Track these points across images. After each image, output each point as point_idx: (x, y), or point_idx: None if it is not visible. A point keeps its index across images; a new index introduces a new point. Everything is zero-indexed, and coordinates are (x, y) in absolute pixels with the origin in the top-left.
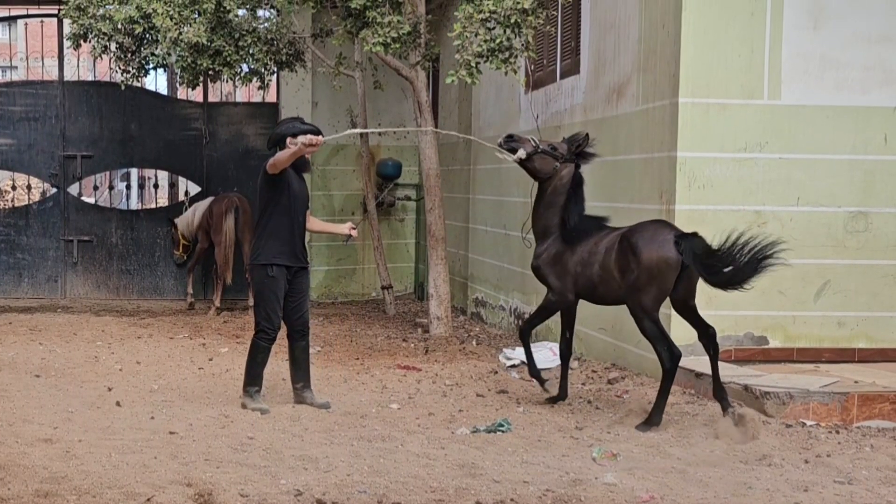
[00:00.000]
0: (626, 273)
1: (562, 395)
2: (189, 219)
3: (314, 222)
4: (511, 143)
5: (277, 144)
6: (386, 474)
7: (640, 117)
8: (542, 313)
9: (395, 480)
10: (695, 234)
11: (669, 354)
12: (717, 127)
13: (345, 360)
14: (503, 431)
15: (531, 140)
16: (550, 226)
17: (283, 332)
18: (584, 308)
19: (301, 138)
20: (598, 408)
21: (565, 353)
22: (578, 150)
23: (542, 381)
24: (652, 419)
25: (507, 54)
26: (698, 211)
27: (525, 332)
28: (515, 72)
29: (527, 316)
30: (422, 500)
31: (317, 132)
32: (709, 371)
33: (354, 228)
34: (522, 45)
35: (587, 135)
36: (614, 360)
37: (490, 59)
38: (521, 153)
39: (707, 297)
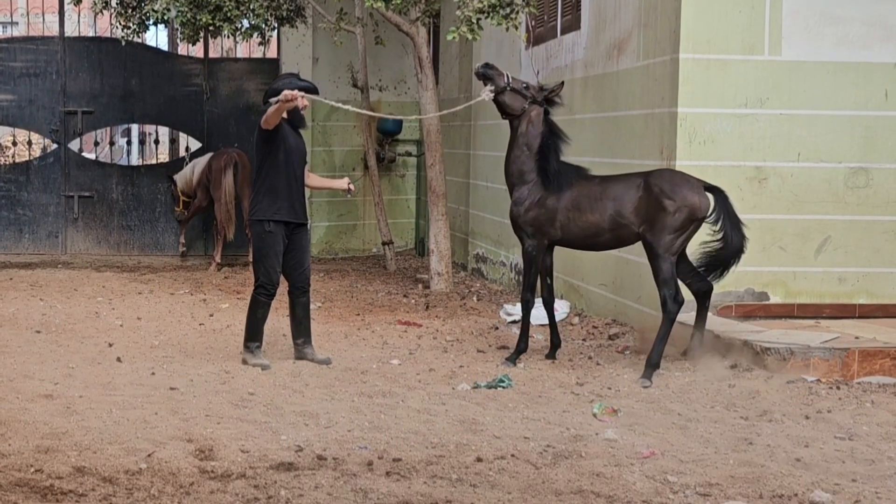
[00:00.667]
0: (654, 216)
1: (556, 343)
2: (188, 175)
3: (313, 178)
4: (488, 70)
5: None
6: (386, 430)
7: (640, 73)
8: (530, 268)
9: (395, 436)
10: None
11: (675, 299)
12: (717, 83)
13: (345, 315)
14: (504, 387)
15: (505, 75)
16: (526, 171)
17: (283, 288)
18: (585, 263)
19: (282, 94)
20: (599, 363)
21: (548, 300)
22: (551, 95)
23: (517, 354)
24: (651, 360)
25: (507, 10)
26: (699, 167)
27: (528, 301)
28: (517, 27)
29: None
30: (422, 455)
31: (312, 89)
32: (710, 327)
33: (351, 183)
34: (523, 0)
35: (562, 83)
36: (615, 315)
37: (491, 14)
38: (489, 93)
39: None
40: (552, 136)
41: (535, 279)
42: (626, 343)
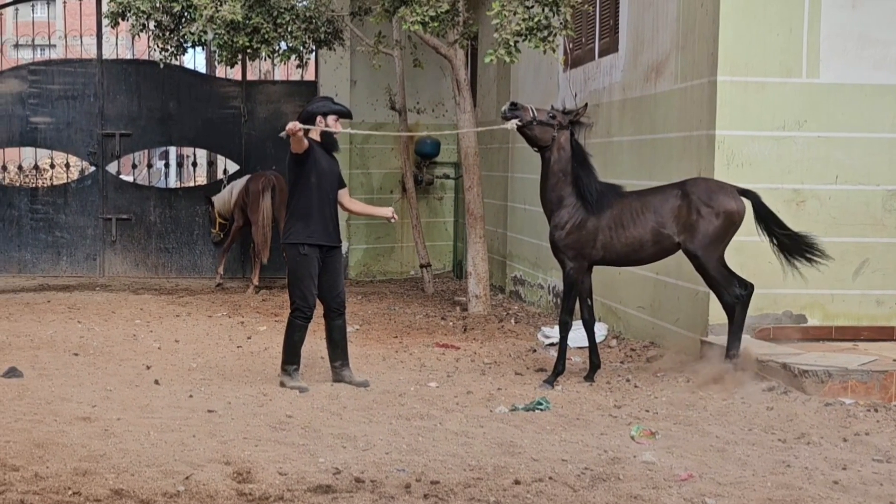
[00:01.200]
0: (694, 224)
1: (595, 364)
2: (226, 197)
3: (355, 204)
4: (514, 111)
5: (307, 122)
6: (424, 452)
7: (678, 96)
8: (571, 291)
9: (433, 459)
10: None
11: (737, 290)
12: (755, 105)
13: (383, 338)
14: (542, 410)
15: (530, 109)
16: (564, 196)
17: (320, 311)
18: (623, 286)
19: (289, 125)
20: (637, 386)
21: (589, 321)
22: (576, 118)
23: (554, 376)
24: (730, 351)
25: (545, 33)
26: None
27: (567, 323)
28: (554, 50)
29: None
30: (460, 478)
31: (345, 112)
32: (748, 349)
33: (395, 214)
34: (561, 23)
35: (585, 104)
36: (653, 338)
37: (528, 37)
38: (514, 123)
39: (745, 276)
40: (582, 156)
41: (575, 302)
42: (664, 366)
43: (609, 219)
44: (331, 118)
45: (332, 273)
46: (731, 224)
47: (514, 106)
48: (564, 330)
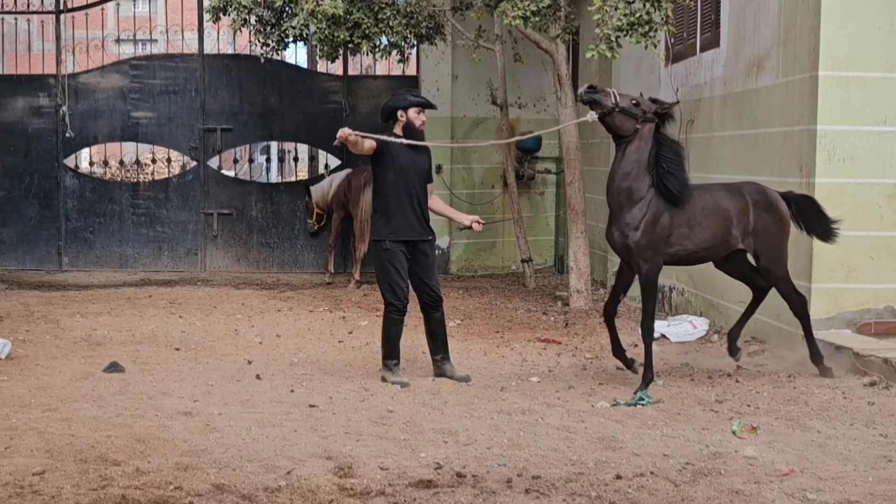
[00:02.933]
0: (763, 228)
1: (621, 357)
2: (325, 189)
3: (437, 203)
4: (592, 94)
5: (390, 118)
6: (525, 447)
7: (779, 91)
8: (652, 296)
9: (534, 453)
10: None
11: (802, 298)
12: (857, 100)
13: (484, 333)
14: (643, 405)
15: (612, 94)
16: (635, 189)
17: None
18: (724, 281)
19: (340, 132)
20: (738, 381)
21: (612, 314)
22: (664, 111)
23: (645, 385)
24: (816, 360)
25: (646, 28)
26: (838, 184)
27: (650, 329)
28: (655, 46)
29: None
30: (561, 473)
31: (423, 103)
32: (849, 344)
33: (481, 223)
34: (662, 18)
35: (677, 101)
36: (754, 333)
37: (630, 33)
38: (593, 115)
39: (847, 271)
40: (675, 150)
41: (655, 305)
42: (765, 361)
43: (682, 216)
44: (412, 111)
45: (422, 266)
46: (787, 229)
47: (592, 89)
48: (649, 336)
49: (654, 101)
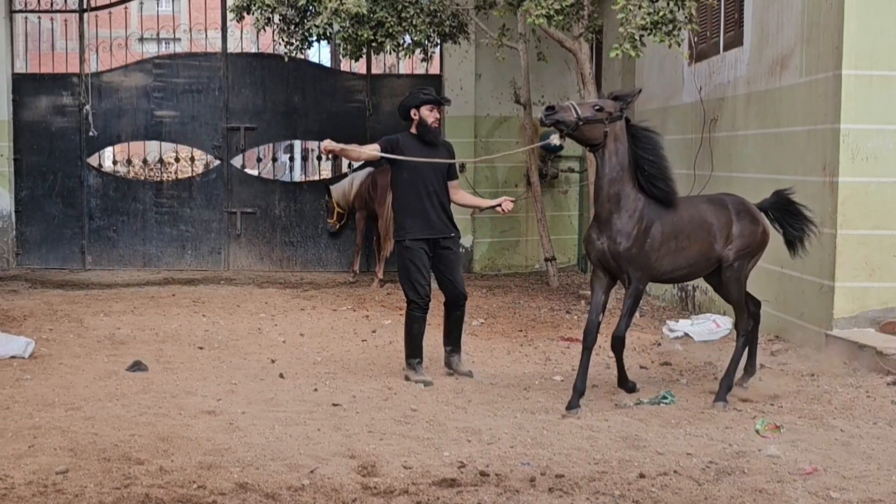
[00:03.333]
0: (739, 242)
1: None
2: (346, 188)
3: (461, 196)
4: (553, 115)
5: (406, 117)
6: (549, 446)
7: (803, 89)
8: (635, 307)
9: (558, 452)
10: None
11: (752, 313)
12: (880, 99)
13: (508, 332)
14: (667, 403)
15: (572, 108)
16: (623, 192)
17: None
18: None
19: (322, 144)
20: (762, 379)
21: (595, 340)
22: (629, 104)
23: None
24: (722, 386)
25: (670, 27)
26: (861, 183)
27: (623, 341)
28: (679, 45)
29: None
30: (585, 471)
31: (433, 100)
32: (872, 343)
33: (511, 201)
34: (685, 17)
35: (639, 90)
36: (777, 332)
37: (653, 31)
38: (557, 139)
39: (870, 270)
40: (652, 143)
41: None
42: (788, 360)
43: (672, 224)
44: (424, 109)
45: (447, 264)
46: (763, 244)
47: (550, 110)
48: (620, 348)
49: (616, 97)
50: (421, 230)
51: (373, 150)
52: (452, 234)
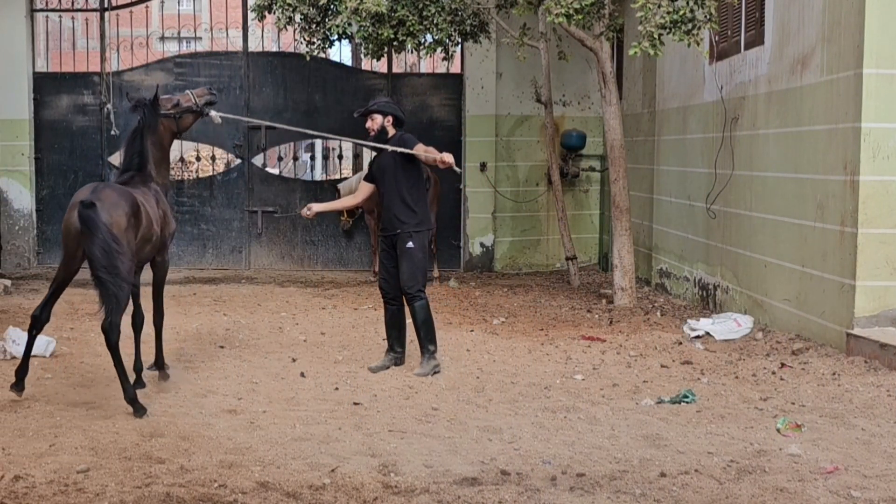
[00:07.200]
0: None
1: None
2: (354, 187)
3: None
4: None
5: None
6: (570, 445)
7: (824, 88)
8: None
9: (579, 451)
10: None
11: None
12: None
13: (529, 330)
14: (688, 402)
15: (175, 100)
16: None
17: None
18: (769, 279)
19: (305, 211)
20: (783, 379)
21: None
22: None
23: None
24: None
25: (689, 26)
26: (882, 182)
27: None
28: (699, 44)
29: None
30: (606, 470)
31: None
32: (894, 342)
33: (446, 162)
34: (705, 16)
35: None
36: (798, 330)
37: (673, 30)
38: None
39: (891, 269)
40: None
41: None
42: (808, 359)
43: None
44: (377, 118)
45: (397, 258)
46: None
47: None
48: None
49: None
50: (384, 228)
51: (355, 202)
52: (398, 231)
